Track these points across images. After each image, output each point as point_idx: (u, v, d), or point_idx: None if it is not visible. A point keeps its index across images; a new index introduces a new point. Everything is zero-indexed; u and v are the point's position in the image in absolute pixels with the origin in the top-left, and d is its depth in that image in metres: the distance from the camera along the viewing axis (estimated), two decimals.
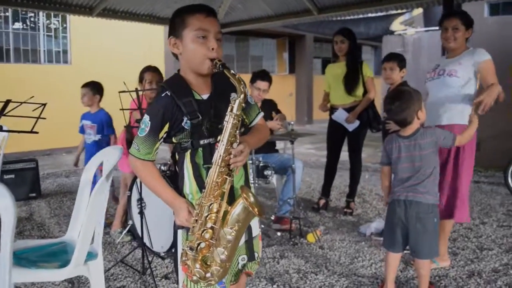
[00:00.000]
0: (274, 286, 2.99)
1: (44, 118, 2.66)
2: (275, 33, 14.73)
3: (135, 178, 3.62)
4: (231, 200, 1.62)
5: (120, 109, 3.28)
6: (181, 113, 1.62)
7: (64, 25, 9.52)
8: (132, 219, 3.74)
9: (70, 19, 9.36)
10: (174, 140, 1.67)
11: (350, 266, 3.32)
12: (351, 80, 4.45)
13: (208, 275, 1.59)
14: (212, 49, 1.62)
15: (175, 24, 1.66)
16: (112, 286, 3.01)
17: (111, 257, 3.51)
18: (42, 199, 5.37)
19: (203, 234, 1.57)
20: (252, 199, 1.58)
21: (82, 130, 4.28)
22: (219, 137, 1.59)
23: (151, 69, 3.67)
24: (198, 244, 1.57)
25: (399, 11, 8.16)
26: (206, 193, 1.56)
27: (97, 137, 4.15)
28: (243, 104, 1.57)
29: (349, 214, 4.61)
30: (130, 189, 3.72)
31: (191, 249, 1.57)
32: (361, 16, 8.56)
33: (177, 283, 1.80)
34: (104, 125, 4.14)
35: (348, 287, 2.97)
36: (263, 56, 15.73)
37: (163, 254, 3.51)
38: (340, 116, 4.50)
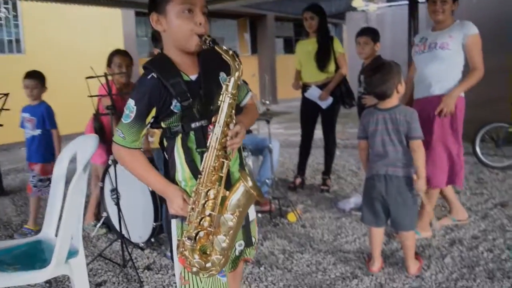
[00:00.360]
0: (261, 268, 2.94)
1: (8, 109, 2.46)
2: (235, 13, 14.49)
3: (107, 168, 3.45)
4: (228, 185, 1.53)
5: (88, 96, 3.10)
6: (169, 95, 1.50)
7: (15, 13, 8.96)
8: (107, 211, 3.59)
9: (22, 7, 8.81)
10: (163, 125, 1.56)
11: (334, 243, 3.31)
12: (323, 56, 4.39)
13: (208, 265, 1.50)
14: (200, 24, 1.50)
15: None
16: (93, 282, 2.87)
17: (88, 252, 3.36)
18: (5, 196, 5.09)
19: (201, 222, 1.48)
20: (250, 182, 1.50)
21: (22, 125, 3.81)
22: (213, 119, 1.49)
23: (120, 52, 3.47)
24: (197, 233, 1.48)
25: None
26: (203, 179, 1.46)
27: (37, 131, 3.72)
28: (238, 82, 1.47)
29: (326, 191, 4.61)
30: (102, 180, 3.56)
31: (189, 239, 1.48)
32: None
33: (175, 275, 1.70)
34: (46, 118, 3.72)
35: (336, 263, 2.96)
36: (225, 37, 15.49)
37: (142, 244, 3.39)
38: (314, 93, 4.45)
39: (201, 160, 1.51)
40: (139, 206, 3.38)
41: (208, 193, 1.47)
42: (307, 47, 4.51)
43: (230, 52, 1.47)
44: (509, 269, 2.73)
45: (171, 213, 1.56)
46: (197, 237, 1.48)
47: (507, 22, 6.47)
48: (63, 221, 1.99)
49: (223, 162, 1.49)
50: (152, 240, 3.41)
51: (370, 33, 3.90)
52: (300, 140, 4.79)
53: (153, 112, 1.53)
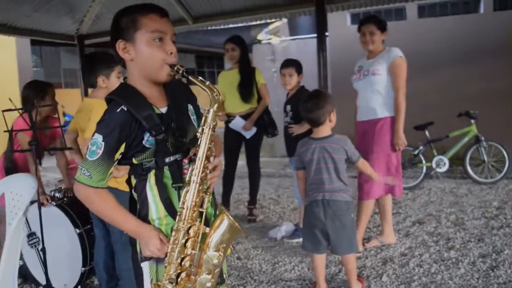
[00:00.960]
0: None
1: None
2: None
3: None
4: (205, 222, 1.45)
5: (5, 131, 2.79)
6: (141, 129, 1.41)
7: None
8: (23, 259, 3.21)
9: None
10: (134, 161, 1.44)
11: (273, 272, 3.30)
12: (246, 87, 4.46)
13: None
14: (171, 53, 1.44)
15: (123, 25, 1.44)
16: None
17: None
18: None
19: (183, 262, 1.38)
20: (230, 216, 1.44)
21: None
22: (191, 152, 1.43)
23: (52, 85, 3.18)
24: (178, 275, 1.38)
25: (268, 20, 8.52)
26: (184, 216, 1.38)
27: None
28: (217, 113, 1.42)
29: (253, 221, 4.61)
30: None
31: (170, 282, 1.37)
32: (221, 26, 8.71)
33: None
34: None
35: None
36: None
37: None
38: (238, 124, 4.48)
39: (178, 196, 1.43)
40: (62, 251, 3.08)
41: (189, 231, 1.39)
42: (230, 78, 4.54)
43: (207, 83, 1.42)
44: (440, 281, 2.94)
45: (146, 255, 1.44)
46: (179, 279, 1.38)
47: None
48: (1, 273, 1.74)
49: (203, 197, 1.42)
50: (79, 287, 3.11)
51: (293, 65, 4.04)
52: (224, 171, 4.74)
53: (122, 148, 1.42)
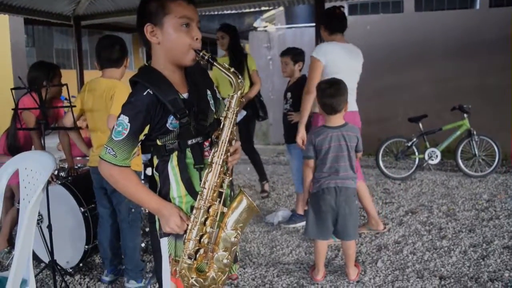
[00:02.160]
0: None
1: None
2: (131, 27, 14.07)
3: None
4: (223, 202, 1.52)
5: (13, 109, 2.81)
6: (165, 113, 1.46)
7: None
8: None
9: None
10: (158, 142, 1.50)
11: (271, 255, 3.39)
12: None
13: (207, 283, 1.48)
14: (196, 39, 1.49)
15: (151, 9, 1.48)
16: None
17: None
18: None
19: (202, 239, 1.45)
20: (249, 197, 1.51)
21: None
22: (214, 135, 1.50)
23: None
24: (197, 251, 1.45)
25: (266, 8, 8.52)
26: (205, 195, 1.44)
27: None
28: (241, 99, 1.48)
29: (266, 197, 4.83)
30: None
31: (189, 257, 1.44)
32: (216, 12, 8.70)
33: None
34: None
35: (279, 275, 3.03)
36: None
37: (70, 270, 3.14)
38: None
39: (199, 177, 1.49)
40: (65, 229, 3.13)
41: (209, 210, 1.45)
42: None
43: (231, 70, 1.47)
44: (433, 268, 3.05)
45: (166, 231, 1.50)
46: (197, 255, 1.45)
47: (396, 47, 7.24)
48: (18, 252, 1.78)
49: (223, 178, 1.48)
50: (81, 265, 3.17)
51: (289, 53, 4.09)
52: None
53: (146, 130, 1.48)
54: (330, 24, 3.56)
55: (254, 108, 4.66)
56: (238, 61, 4.57)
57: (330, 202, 2.79)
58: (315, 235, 2.91)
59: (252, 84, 4.63)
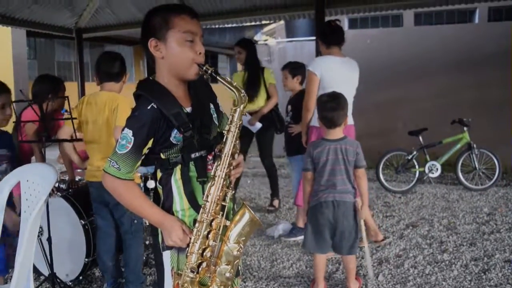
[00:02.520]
0: None
1: None
2: (132, 39, 14.19)
3: None
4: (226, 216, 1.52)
5: (14, 122, 2.83)
6: (168, 126, 1.47)
7: None
8: None
9: None
10: (162, 156, 1.51)
11: (272, 269, 3.37)
12: (250, 88, 4.59)
13: None
14: (200, 53, 1.50)
15: (155, 24, 1.50)
16: None
17: None
18: None
19: (204, 253, 1.45)
20: (251, 210, 1.51)
21: None
22: (217, 149, 1.50)
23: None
24: (199, 265, 1.44)
25: (267, 22, 8.60)
26: (208, 208, 1.44)
27: None
28: (243, 113, 1.49)
29: (271, 212, 4.83)
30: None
31: (192, 271, 1.43)
32: (217, 26, 8.78)
33: None
34: None
35: None
36: None
37: (70, 283, 3.12)
38: (244, 119, 4.56)
39: (202, 190, 1.50)
40: (65, 242, 3.12)
41: (212, 223, 1.46)
42: (239, 79, 4.75)
43: (234, 84, 1.48)
44: (435, 282, 3.04)
45: (168, 245, 1.50)
46: (200, 269, 1.45)
47: (396, 61, 7.29)
48: (19, 266, 1.78)
49: (226, 191, 1.48)
50: (80, 278, 3.16)
51: (288, 67, 4.15)
52: None
53: (150, 143, 1.48)
54: (326, 38, 3.61)
55: (272, 121, 4.68)
56: (254, 75, 4.65)
57: (328, 216, 2.76)
58: (313, 249, 2.89)
59: (269, 97, 4.67)
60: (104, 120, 2.70)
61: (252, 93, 4.57)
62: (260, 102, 4.65)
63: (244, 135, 4.70)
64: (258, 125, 4.59)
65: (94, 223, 3.04)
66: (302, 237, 3.87)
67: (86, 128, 2.83)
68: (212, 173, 1.47)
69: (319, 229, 2.81)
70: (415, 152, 5.80)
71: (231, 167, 1.49)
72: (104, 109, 2.70)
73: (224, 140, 1.48)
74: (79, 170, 3.75)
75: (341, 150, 2.77)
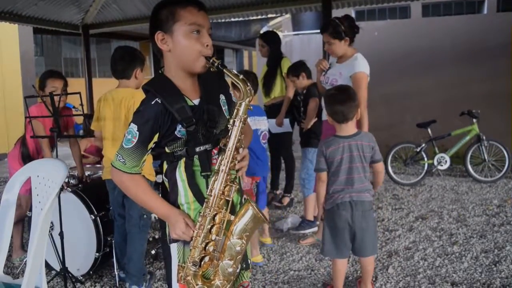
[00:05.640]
0: None
1: None
2: (138, 35, 14.21)
3: None
4: (231, 210, 1.52)
5: (26, 117, 2.84)
6: (173, 121, 1.47)
7: None
8: None
9: None
10: (167, 150, 1.51)
11: (282, 262, 3.38)
12: (268, 81, 4.64)
13: None
14: (207, 45, 1.50)
15: (162, 17, 1.49)
16: None
17: None
18: None
19: (207, 247, 1.45)
20: (256, 206, 1.51)
21: None
22: (221, 142, 1.50)
23: (55, 75, 3.22)
24: (202, 258, 1.45)
25: (273, 15, 8.56)
26: (211, 203, 1.44)
27: None
28: (249, 107, 1.48)
29: (278, 208, 4.77)
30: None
31: (194, 264, 1.44)
32: (223, 20, 8.76)
33: None
34: None
35: (289, 281, 3.02)
36: None
37: (81, 277, 3.15)
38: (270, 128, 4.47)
39: (206, 184, 1.50)
40: (76, 237, 3.14)
41: (215, 217, 1.45)
42: (263, 71, 4.80)
43: (240, 77, 1.47)
44: (445, 274, 3.03)
45: (173, 238, 1.51)
46: (202, 262, 1.45)
47: (404, 53, 7.24)
48: (31, 261, 1.79)
49: (230, 186, 1.48)
50: (91, 272, 3.18)
51: (290, 73, 4.12)
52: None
53: (155, 138, 1.48)
54: (352, 30, 3.34)
55: (291, 113, 4.57)
56: (272, 71, 4.67)
57: (346, 217, 2.57)
58: (332, 254, 2.69)
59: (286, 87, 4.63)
60: (120, 116, 2.72)
61: (267, 88, 4.59)
62: (274, 94, 4.66)
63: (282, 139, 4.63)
64: (286, 122, 4.50)
65: (106, 217, 3.06)
66: (311, 230, 3.89)
67: (104, 124, 2.85)
68: (216, 167, 1.46)
69: (338, 233, 2.62)
70: (423, 145, 5.77)
71: (236, 161, 1.48)
72: (121, 106, 2.73)
73: (229, 134, 1.47)
74: (88, 166, 3.79)
75: (356, 147, 2.58)
